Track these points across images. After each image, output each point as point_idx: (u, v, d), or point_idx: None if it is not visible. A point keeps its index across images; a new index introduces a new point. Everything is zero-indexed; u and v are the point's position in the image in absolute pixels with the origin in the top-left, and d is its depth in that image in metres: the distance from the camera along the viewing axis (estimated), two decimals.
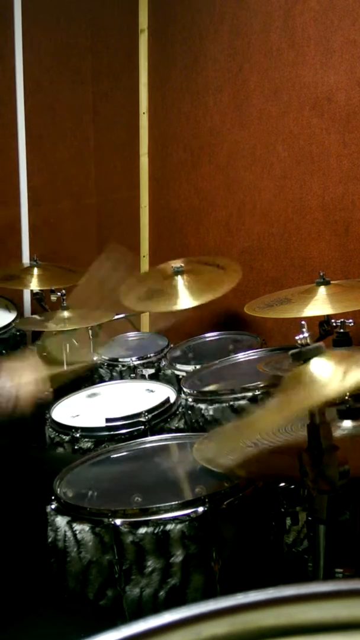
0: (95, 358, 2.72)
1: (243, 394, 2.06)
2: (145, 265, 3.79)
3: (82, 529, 1.48)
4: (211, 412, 2.07)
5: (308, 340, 1.22)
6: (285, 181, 2.99)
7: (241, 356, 2.46)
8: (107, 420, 2.09)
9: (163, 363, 2.64)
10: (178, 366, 2.54)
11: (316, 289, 2.15)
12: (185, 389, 2.20)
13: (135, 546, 1.44)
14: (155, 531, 1.43)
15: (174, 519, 1.44)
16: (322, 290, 2.15)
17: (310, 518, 1.50)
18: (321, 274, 2.18)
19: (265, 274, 3.13)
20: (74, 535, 1.48)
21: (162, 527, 1.43)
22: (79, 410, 2.27)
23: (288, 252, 3.02)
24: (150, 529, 1.43)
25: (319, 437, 1.20)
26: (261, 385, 2.05)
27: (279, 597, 0.47)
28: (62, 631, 1.53)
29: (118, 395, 2.40)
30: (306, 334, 1.23)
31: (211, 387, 2.22)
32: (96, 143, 4.03)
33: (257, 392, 2.05)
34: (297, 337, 1.23)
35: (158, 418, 2.14)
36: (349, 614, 0.46)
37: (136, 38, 3.64)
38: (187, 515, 1.44)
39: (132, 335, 3.08)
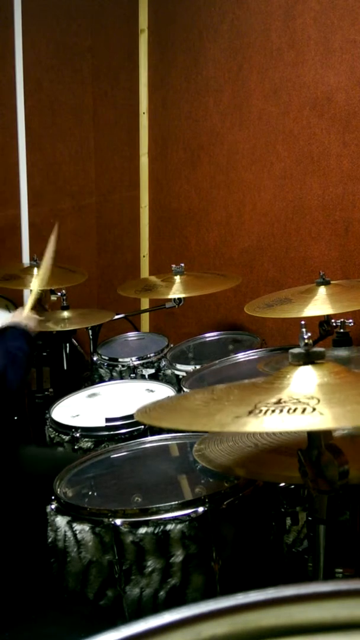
0: (95, 358, 2.74)
1: None
2: (145, 265, 3.80)
3: (82, 529, 1.48)
4: None
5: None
6: (285, 181, 2.99)
7: (241, 356, 2.46)
8: (107, 420, 2.09)
9: (163, 363, 2.64)
10: (178, 366, 2.54)
11: (316, 289, 2.15)
12: (185, 389, 2.20)
13: (135, 546, 1.44)
14: (155, 531, 1.43)
15: (174, 519, 1.44)
16: (322, 290, 2.15)
17: (310, 518, 1.50)
18: (321, 274, 2.18)
19: (265, 274, 3.13)
20: (74, 535, 1.48)
21: (162, 527, 1.43)
22: (79, 410, 2.27)
23: (288, 252, 3.02)
24: (150, 529, 1.43)
25: (318, 437, 1.20)
26: None
27: (279, 597, 0.47)
28: (62, 631, 1.53)
29: (118, 395, 2.40)
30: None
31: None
32: (96, 143, 4.03)
33: None
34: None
35: None
36: (348, 614, 0.46)
37: (136, 38, 3.64)
38: (187, 515, 1.44)
39: (132, 335, 3.08)
